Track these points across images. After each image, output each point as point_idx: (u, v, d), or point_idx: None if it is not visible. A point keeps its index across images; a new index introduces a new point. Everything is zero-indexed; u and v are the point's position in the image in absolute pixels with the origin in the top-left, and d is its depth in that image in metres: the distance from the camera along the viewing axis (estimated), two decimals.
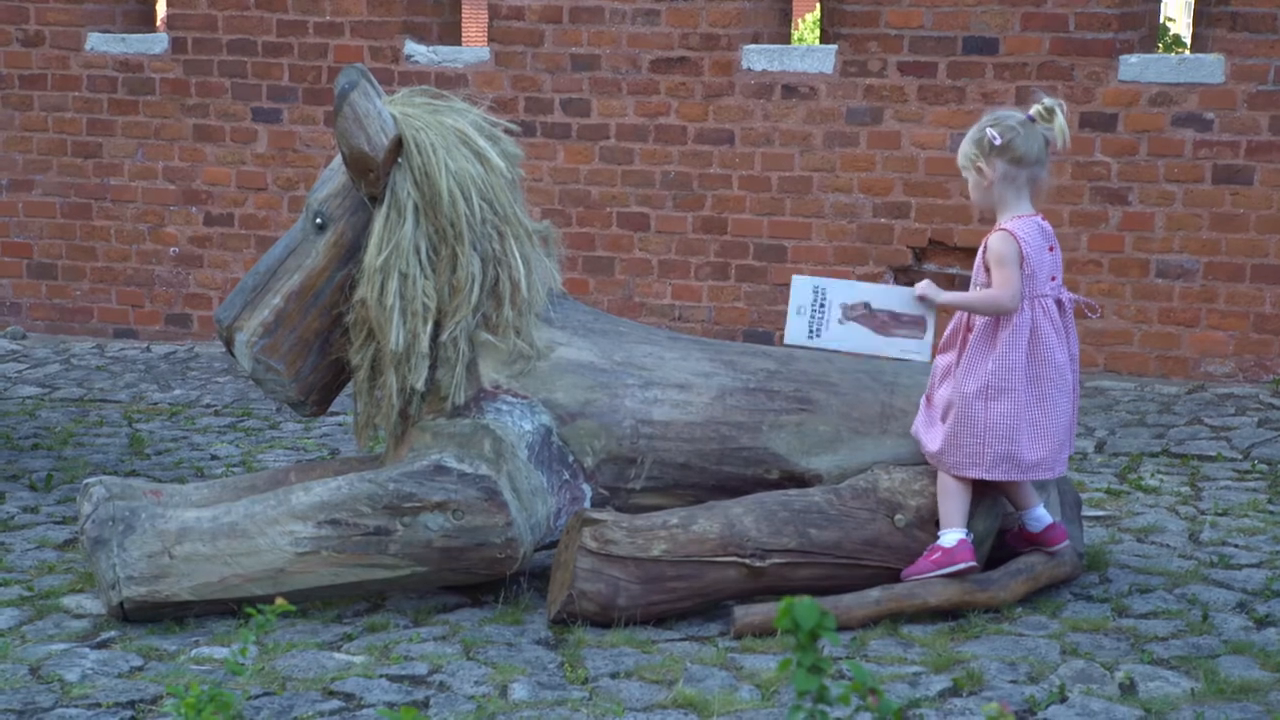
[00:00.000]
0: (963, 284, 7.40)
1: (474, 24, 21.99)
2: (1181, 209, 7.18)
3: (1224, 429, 6.41)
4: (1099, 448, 6.20)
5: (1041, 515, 4.40)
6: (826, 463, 4.46)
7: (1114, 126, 7.18)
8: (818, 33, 14.74)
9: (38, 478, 5.73)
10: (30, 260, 8.47)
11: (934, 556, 4.26)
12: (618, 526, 4.25)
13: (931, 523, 4.29)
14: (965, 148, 4.30)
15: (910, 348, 4.54)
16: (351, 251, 4.48)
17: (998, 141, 4.23)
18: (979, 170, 4.26)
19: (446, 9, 8.11)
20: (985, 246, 4.27)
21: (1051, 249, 4.28)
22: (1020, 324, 4.21)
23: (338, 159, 4.53)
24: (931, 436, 4.29)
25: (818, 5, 10.94)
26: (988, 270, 4.25)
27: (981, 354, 4.24)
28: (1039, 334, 4.22)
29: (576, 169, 7.78)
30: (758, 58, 7.50)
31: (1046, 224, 4.32)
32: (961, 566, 4.24)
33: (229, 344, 4.59)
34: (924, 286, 4.47)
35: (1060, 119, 4.26)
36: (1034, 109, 4.27)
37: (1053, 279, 4.27)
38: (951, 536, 4.25)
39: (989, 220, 4.19)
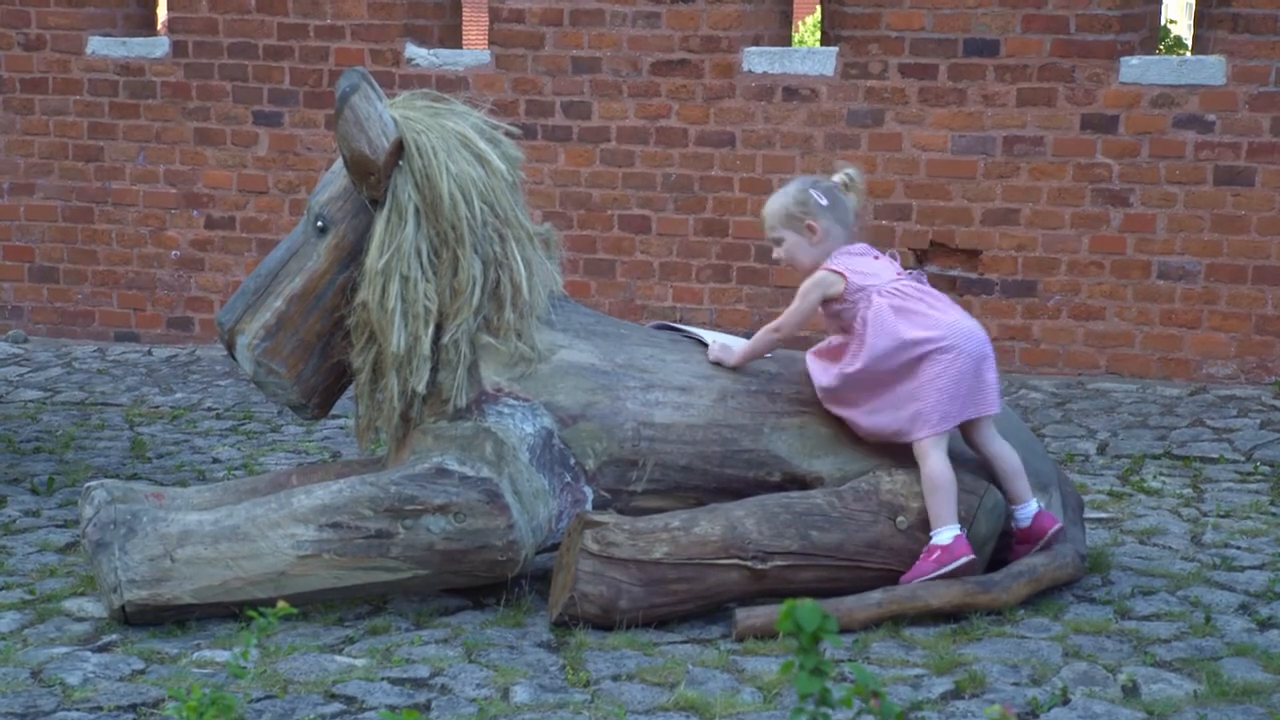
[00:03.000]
0: (963, 285, 7.41)
1: (475, 27, 22.01)
2: (1183, 210, 7.18)
3: (1226, 431, 6.41)
4: (1101, 449, 6.20)
5: (1030, 509, 4.41)
6: (828, 465, 4.46)
7: (1115, 128, 7.18)
8: (818, 35, 14.75)
9: (39, 481, 5.73)
10: (32, 264, 8.48)
11: (934, 556, 4.25)
12: (619, 529, 4.25)
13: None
14: (787, 208, 4.46)
15: None
16: (353, 254, 4.48)
17: (824, 202, 4.45)
18: (810, 229, 4.44)
19: (447, 12, 8.11)
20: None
21: (877, 256, 4.47)
22: (878, 310, 4.32)
23: (339, 162, 4.53)
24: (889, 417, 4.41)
25: (818, 7, 10.94)
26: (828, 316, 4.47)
27: (859, 346, 4.35)
28: (901, 312, 4.31)
29: (577, 171, 7.78)
30: (758, 60, 7.50)
31: (857, 245, 4.50)
32: (962, 562, 4.23)
33: (230, 347, 4.59)
34: (715, 352, 4.56)
35: (859, 189, 4.56)
36: (839, 177, 4.53)
37: (897, 274, 4.42)
38: (947, 534, 4.25)
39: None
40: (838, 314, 4.41)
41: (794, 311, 4.42)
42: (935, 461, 4.27)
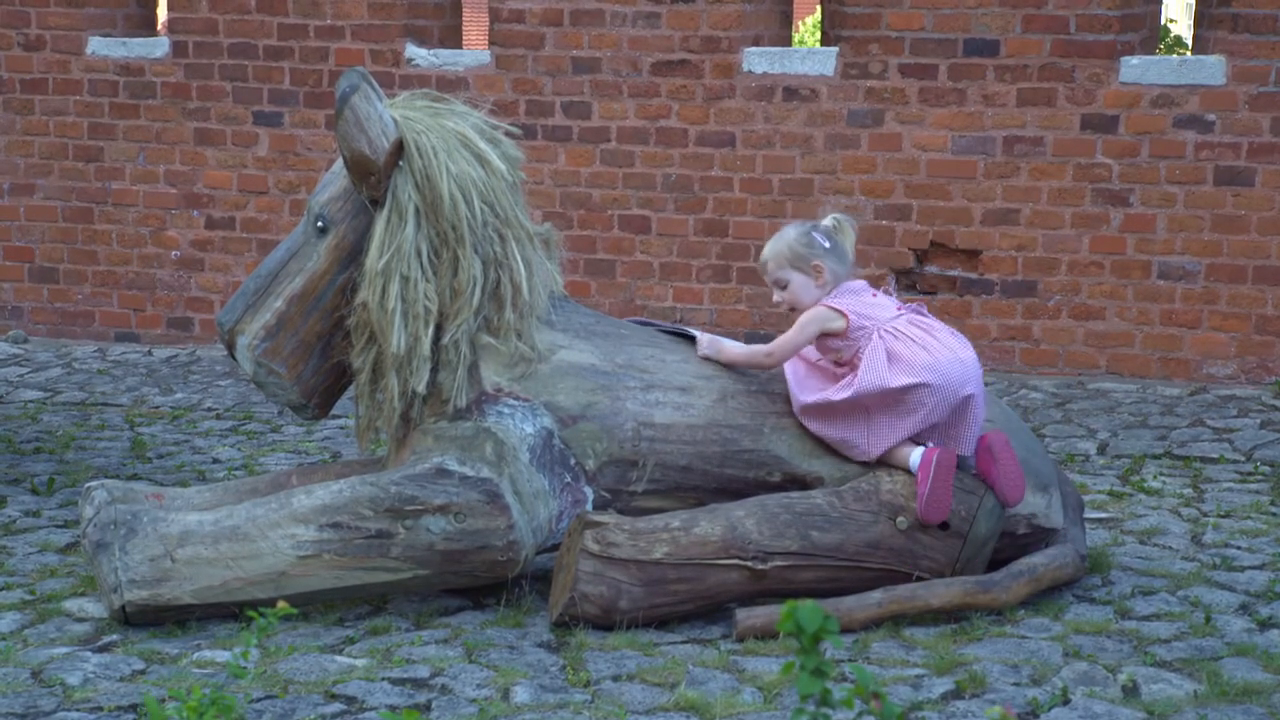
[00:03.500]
0: (964, 285, 7.41)
1: (475, 27, 22.01)
2: (1183, 211, 7.18)
3: (1226, 431, 6.41)
4: (1101, 449, 6.20)
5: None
6: (828, 465, 4.46)
7: (1115, 128, 7.18)
8: (818, 35, 14.75)
9: (39, 481, 5.73)
10: (32, 264, 8.48)
11: (918, 480, 4.27)
12: (619, 529, 4.25)
13: (935, 525, 4.29)
14: (794, 249, 4.46)
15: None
16: (353, 254, 4.48)
17: (827, 245, 4.47)
18: (816, 269, 4.45)
19: (447, 12, 8.11)
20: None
21: (875, 294, 4.49)
22: (874, 349, 4.34)
23: (339, 162, 4.53)
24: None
25: (818, 7, 10.95)
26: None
27: (851, 378, 4.39)
28: (894, 356, 4.33)
29: (577, 171, 7.78)
30: (758, 60, 7.50)
31: (855, 282, 4.51)
32: (938, 459, 4.24)
33: (231, 347, 4.59)
34: (705, 346, 4.59)
35: (851, 234, 4.56)
36: (828, 222, 4.55)
37: (898, 310, 4.45)
38: (915, 458, 4.29)
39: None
40: (837, 350, 4.43)
41: (789, 341, 4.44)
42: (903, 452, 4.35)
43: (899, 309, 4.45)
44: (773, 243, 4.53)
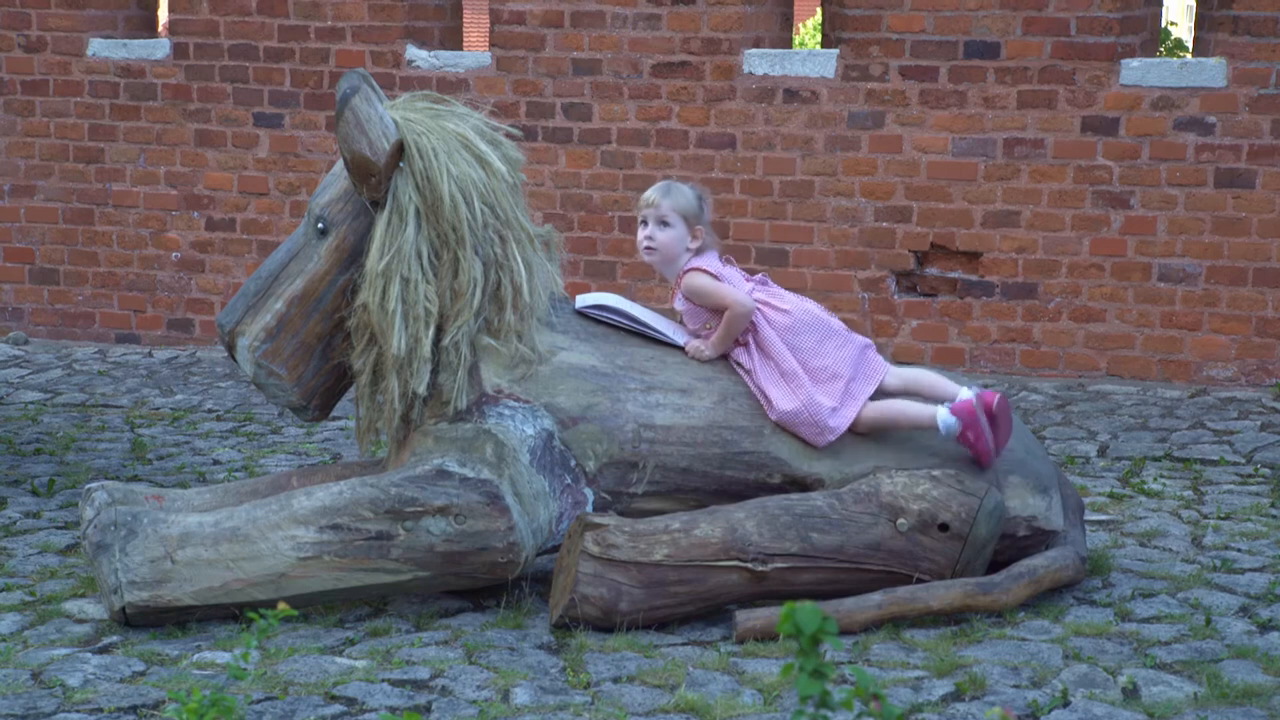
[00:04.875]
0: (964, 287, 7.41)
1: (475, 28, 22.00)
2: (1183, 213, 7.18)
3: (1226, 433, 6.41)
4: (1101, 451, 6.20)
5: (963, 393, 4.45)
6: (828, 467, 4.47)
7: (1115, 130, 7.18)
8: (819, 37, 14.75)
9: (40, 483, 5.73)
10: (32, 265, 8.48)
11: (969, 442, 4.38)
12: (620, 531, 4.25)
13: (934, 526, 4.30)
14: (694, 205, 4.61)
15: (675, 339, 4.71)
16: (353, 256, 4.48)
17: (708, 217, 4.65)
18: (697, 233, 4.61)
19: (448, 13, 8.11)
20: (682, 295, 4.63)
21: (727, 261, 4.68)
22: (759, 323, 4.53)
23: (339, 164, 4.53)
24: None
25: (819, 9, 10.96)
26: (705, 309, 4.60)
27: (765, 361, 4.52)
28: (769, 323, 4.54)
29: (578, 173, 7.78)
30: (759, 62, 7.51)
31: (715, 252, 4.67)
32: (980, 414, 4.37)
33: (231, 349, 4.59)
34: (692, 348, 4.64)
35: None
36: (707, 197, 4.76)
37: (747, 280, 4.63)
38: (949, 417, 4.39)
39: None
40: (705, 319, 4.59)
41: (728, 293, 4.52)
42: (871, 412, 4.46)
43: (746, 279, 4.63)
44: (673, 189, 4.64)
